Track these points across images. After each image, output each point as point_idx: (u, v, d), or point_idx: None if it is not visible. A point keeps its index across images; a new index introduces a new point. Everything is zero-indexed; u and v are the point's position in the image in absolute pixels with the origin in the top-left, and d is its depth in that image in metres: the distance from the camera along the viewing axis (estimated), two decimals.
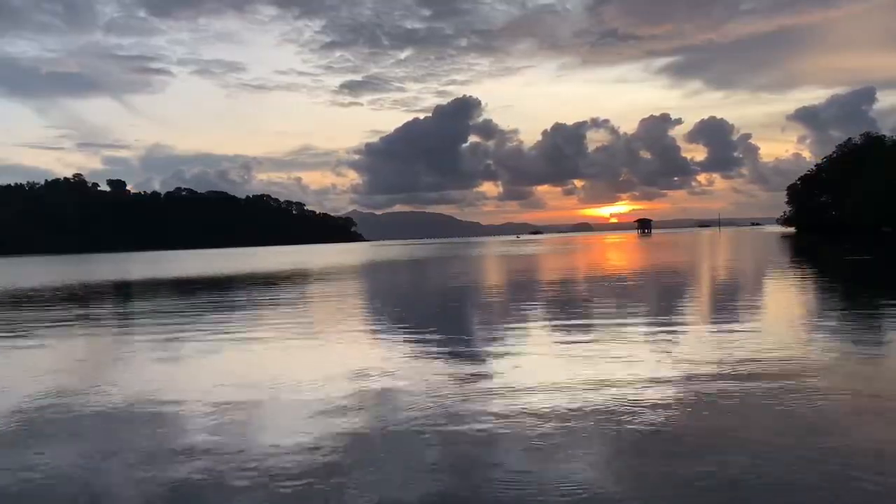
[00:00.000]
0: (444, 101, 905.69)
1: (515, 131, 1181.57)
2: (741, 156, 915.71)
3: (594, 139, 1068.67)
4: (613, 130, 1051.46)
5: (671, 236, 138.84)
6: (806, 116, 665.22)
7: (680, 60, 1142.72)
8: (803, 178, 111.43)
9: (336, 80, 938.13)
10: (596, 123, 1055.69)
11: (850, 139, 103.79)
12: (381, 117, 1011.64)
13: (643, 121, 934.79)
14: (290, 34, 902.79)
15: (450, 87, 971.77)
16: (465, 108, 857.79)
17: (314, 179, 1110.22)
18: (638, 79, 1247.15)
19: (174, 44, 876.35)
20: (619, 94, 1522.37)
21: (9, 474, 5.91)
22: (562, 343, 11.78)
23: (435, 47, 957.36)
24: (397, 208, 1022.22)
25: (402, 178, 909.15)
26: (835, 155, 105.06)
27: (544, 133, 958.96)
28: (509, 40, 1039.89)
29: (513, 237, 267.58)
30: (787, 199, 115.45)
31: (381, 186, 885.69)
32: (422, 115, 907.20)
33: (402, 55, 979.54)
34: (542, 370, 9.44)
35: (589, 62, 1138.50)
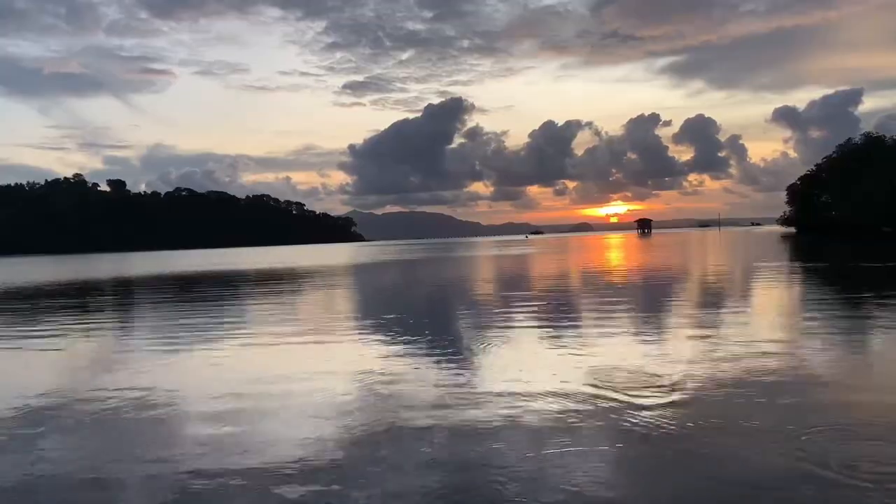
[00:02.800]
0: (444, 101, 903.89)
1: (507, 132, 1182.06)
2: (732, 155, 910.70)
3: (595, 139, 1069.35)
4: (614, 131, 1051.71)
5: (672, 236, 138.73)
6: (793, 115, 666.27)
7: (680, 61, 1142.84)
8: (803, 178, 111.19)
9: (338, 81, 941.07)
10: (591, 125, 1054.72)
11: (850, 139, 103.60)
12: (384, 117, 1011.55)
13: (640, 120, 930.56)
14: (292, 35, 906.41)
15: (451, 88, 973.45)
16: (456, 109, 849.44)
17: (316, 179, 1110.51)
18: (639, 79, 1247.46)
19: (176, 45, 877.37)
20: (620, 95, 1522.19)
21: (9, 470, 5.94)
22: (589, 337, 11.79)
23: (437, 48, 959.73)
24: (389, 209, 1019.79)
25: (395, 179, 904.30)
26: (835, 155, 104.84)
27: (538, 133, 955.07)
28: (511, 41, 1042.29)
29: (521, 237, 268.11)
30: (786, 199, 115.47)
31: (375, 187, 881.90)
32: (411, 116, 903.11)
33: (404, 56, 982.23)
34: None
35: (590, 63, 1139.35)
